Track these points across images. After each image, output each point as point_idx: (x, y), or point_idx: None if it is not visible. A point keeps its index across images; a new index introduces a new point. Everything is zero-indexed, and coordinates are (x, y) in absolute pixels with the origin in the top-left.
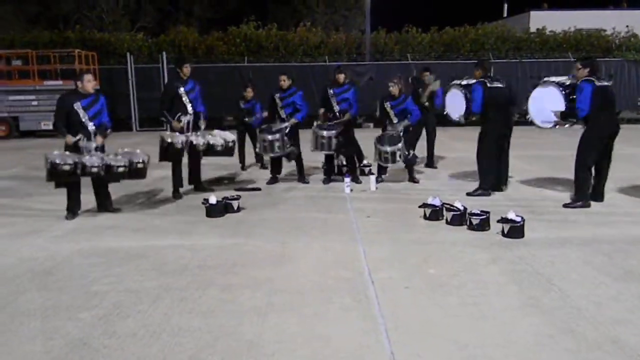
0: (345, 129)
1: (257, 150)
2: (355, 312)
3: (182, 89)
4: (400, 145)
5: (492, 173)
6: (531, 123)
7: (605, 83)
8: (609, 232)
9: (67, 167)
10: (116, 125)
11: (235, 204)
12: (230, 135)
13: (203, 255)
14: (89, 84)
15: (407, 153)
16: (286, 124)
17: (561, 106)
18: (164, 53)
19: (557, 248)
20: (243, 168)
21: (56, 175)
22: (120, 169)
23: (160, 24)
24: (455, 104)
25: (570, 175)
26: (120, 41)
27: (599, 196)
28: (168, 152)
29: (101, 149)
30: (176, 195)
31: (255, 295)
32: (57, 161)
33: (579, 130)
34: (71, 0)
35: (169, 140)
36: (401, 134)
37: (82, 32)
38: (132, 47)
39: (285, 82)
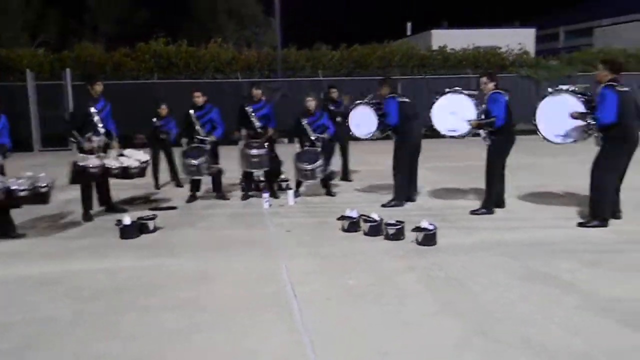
0: (270, 145)
1: (179, 174)
2: (280, 326)
3: (92, 109)
4: (320, 162)
5: (405, 185)
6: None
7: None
8: (512, 236)
9: None
10: (15, 145)
11: (151, 224)
12: (144, 155)
13: (119, 278)
14: None
15: (325, 169)
16: (207, 144)
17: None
18: (67, 70)
19: (467, 253)
20: (157, 187)
21: None
22: (22, 193)
23: (63, 39)
24: (362, 121)
25: (476, 185)
26: (19, 57)
27: (501, 203)
28: (81, 176)
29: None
30: (87, 217)
31: (177, 316)
32: None
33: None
34: None
35: (83, 164)
36: (319, 149)
37: None
38: (33, 63)
39: (199, 98)
